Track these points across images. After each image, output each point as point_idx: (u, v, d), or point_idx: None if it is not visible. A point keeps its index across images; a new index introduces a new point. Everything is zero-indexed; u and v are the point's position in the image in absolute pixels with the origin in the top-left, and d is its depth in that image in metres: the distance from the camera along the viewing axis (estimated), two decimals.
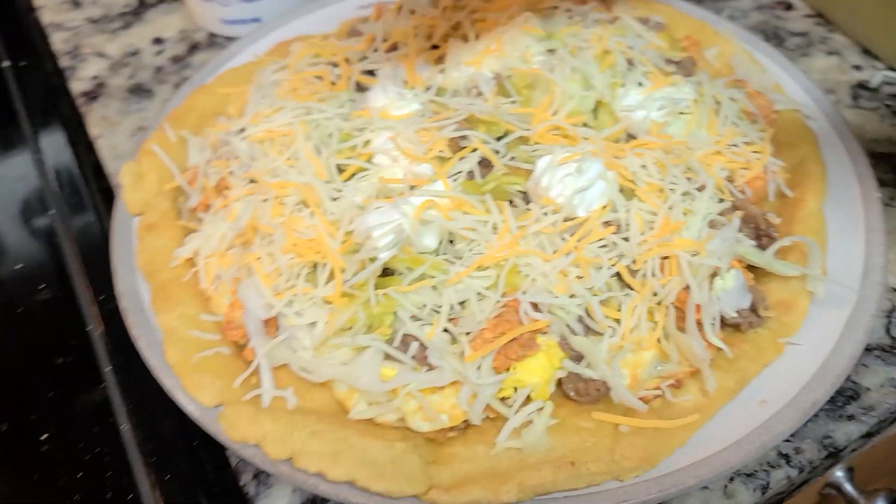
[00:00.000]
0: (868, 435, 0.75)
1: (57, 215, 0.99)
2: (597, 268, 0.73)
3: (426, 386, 0.69)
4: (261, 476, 0.74)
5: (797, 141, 0.90)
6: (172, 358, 0.75)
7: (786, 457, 0.73)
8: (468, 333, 0.70)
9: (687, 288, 0.72)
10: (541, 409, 0.70)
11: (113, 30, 1.21)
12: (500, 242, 0.73)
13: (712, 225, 0.77)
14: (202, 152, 0.90)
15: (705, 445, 0.68)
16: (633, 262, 0.74)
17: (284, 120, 0.85)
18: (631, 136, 0.86)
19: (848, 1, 1.11)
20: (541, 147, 0.82)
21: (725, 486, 0.71)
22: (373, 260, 0.72)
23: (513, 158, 0.82)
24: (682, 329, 0.73)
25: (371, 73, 0.94)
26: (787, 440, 0.73)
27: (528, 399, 0.71)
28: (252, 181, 0.84)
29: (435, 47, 0.96)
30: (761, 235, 0.79)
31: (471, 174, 0.80)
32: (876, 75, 1.05)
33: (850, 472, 0.95)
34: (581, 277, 0.73)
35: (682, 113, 0.86)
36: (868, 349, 0.79)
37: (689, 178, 0.79)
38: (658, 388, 0.72)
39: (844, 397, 0.76)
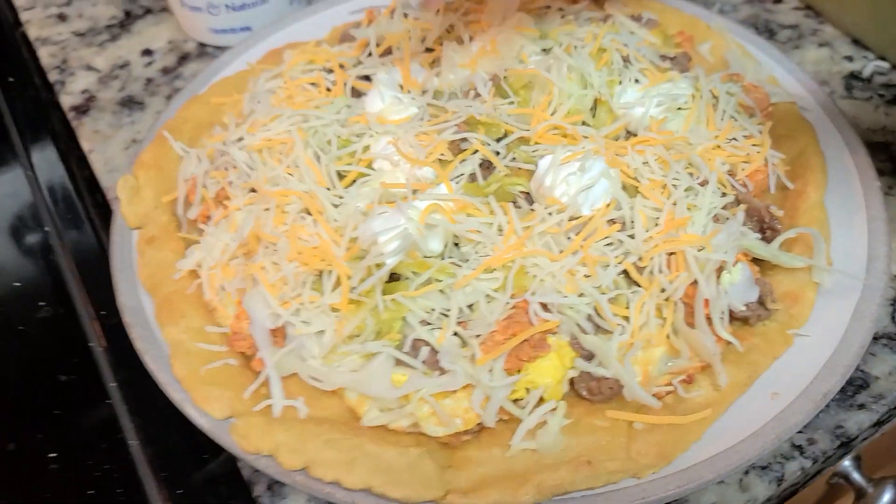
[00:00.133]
0: (878, 423, 0.76)
1: (53, 231, 0.98)
2: (604, 266, 0.73)
3: (439, 390, 0.69)
4: (274, 487, 0.74)
5: (795, 133, 0.90)
6: (180, 371, 0.74)
7: (799, 448, 0.73)
8: (478, 336, 0.70)
9: (694, 283, 0.72)
10: (554, 409, 0.70)
11: (100, 42, 1.20)
12: (506, 244, 0.73)
13: (716, 219, 0.77)
14: (200, 163, 0.89)
15: (720, 439, 0.68)
16: (640, 259, 0.74)
17: (282, 128, 0.85)
18: (630, 134, 0.86)
19: None
20: (541, 147, 0.82)
21: (741, 480, 0.72)
22: (379, 266, 0.72)
23: (514, 159, 0.81)
24: (691, 324, 0.73)
25: (366, 77, 0.93)
26: (800, 431, 0.73)
27: (541, 400, 0.71)
28: (252, 190, 0.83)
29: (429, 50, 0.96)
30: (765, 228, 0.79)
31: (472, 176, 0.80)
32: (867, 66, 1.06)
33: (857, 460, 0.95)
34: (588, 276, 0.73)
35: (680, 108, 0.86)
36: (875, 338, 0.80)
37: (690, 174, 0.80)
38: (670, 385, 0.72)
39: (854, 387, 0.77)
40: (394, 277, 0.74)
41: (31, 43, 1.22)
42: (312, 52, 0.97)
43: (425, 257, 0.74)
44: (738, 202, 0.79)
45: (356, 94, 0.92)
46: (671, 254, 0.74)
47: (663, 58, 0.93)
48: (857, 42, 1.10)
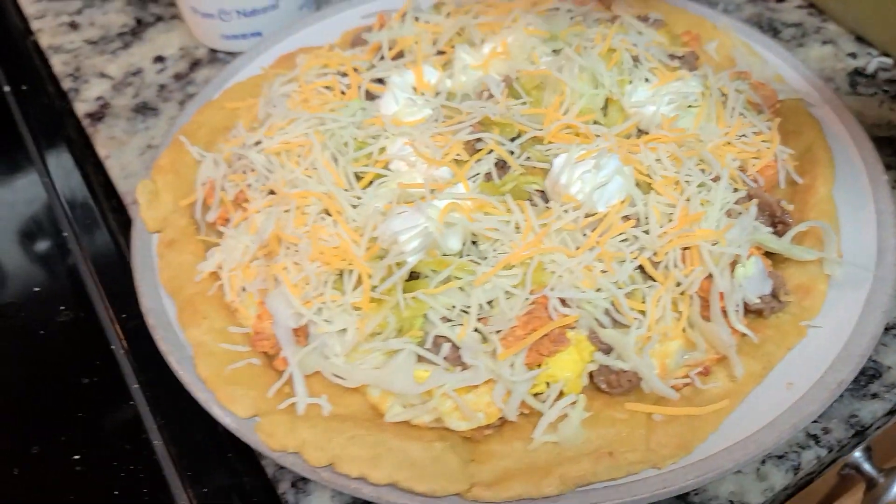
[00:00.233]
0: (892, 412, 0.77)
1: (71, 236, 0.99)
2: (620, 261, 0.75)
3: (461, 385, 0.70)
4: (299, 484, 0.75)
5: (802, 129, 0.91)
6: (204, 372, 0.75)
7: (814, 437, 0.74)
8: (499, 332, 0.71)
9: (709, 277, 0.74)
10: (574, 402, 0.71)
11: (113, 50, 1.21)
12: (524, 241, 0.75)
13: (729, 214, 0.78)
14: (217, 167, 0.91)
15: (738, 429, 0.69)
16: (655, 254, 0.75)
17: (299, 131, 0.86)
18: (641, 132, 0.87)
19: None
20: (554, 146, 0.83)
21: (758, 469, 0.73)
22: (400, 265, 0.73)
23: (528, 158, 0.83)
24: (706, 318, 0.74)
25: (379, 80, 0.95)
26: (815, 421, 0.74)
27: (561, 394, 0.72)
28: (271, 193, 0.85)
29: (441, 53, 0.97)
30: (776, 222, 0.81)
31: (488, 176, 0.81)
32: (871, 62, 1.08)
33: (867, 451, 0.96)
34: (605, 271, 0.74)
35: (690, 106, 0.87)
36: (886, 328, 0.81)
37: (702, 170, 0.81)
38: (687, 377, 0.73)
39: (867, 376, 0.78)
40: (413, 276, 0.75)
41: (42, 51, 1.23)
42: (326, 56, 0.98)
43: (444, 255, 0.76)
44: (749, 197, 0.81)
45: (370, 96, 0.93)
46: (686, 248, 0.75)
47: (672, 57, 0.95)
48: (860, 39, 1.12)
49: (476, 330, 0.72)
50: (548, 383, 0.72)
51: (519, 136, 0.84)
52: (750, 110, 0.89)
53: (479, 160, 0.82)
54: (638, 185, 0.79)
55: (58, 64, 1.19)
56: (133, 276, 0.84)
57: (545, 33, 0.94)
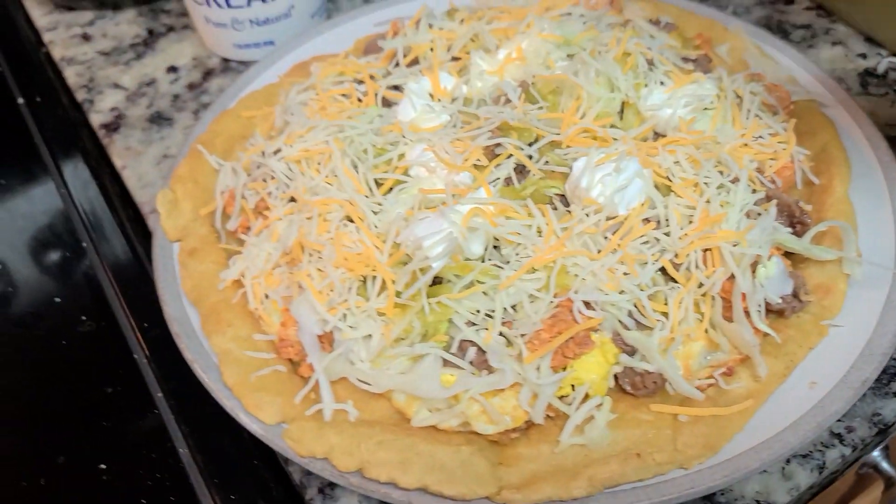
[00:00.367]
0: None
1: (90, 247, 1.00)
2: (642, 264, 0.75)
3: (489, 389, 0.71)
4: (326, 490, 0.75)
5: (816, 129, 0.92)
6: (230, 379, 0.76)
7: (838, 436, 0.75)
8: (523, 335, 0.72)
9: (731, 278, 0.74)
10: (600, 404, 0.71)
11: (126, 61, 1.22)
12: (546, 245, 0.75)
13: (748, 215, 0.79)
14: (235, 175, 0.91)
15: (763, 429, 0.70)
16: (676, 255, 0.76)
17: (319, 138, 0.87)
18: (658, 135, 0.88)
19: None
20: (572, 150, 0.83)
21: (783, 469, 0.73)
22: (424, 270, 0.74)
23: (546, 162, 0.83)
24: (728, 319, 0.74)
25: (395, 87, 0.95)
26: (839, 420, 0.75)
27: (586, 396, 0.72)
28: (291, 200, 0.85)
29: (455, 59, 0.98)
30: (795, 223, 0.81)
31: (508, 180, 0.82)
32: (881, 62, 1.09)
33: (885, 450, 0.97)
34: (627, 274, 0.75)
35: (706, 109, 0.88)
36: None
37: (720, 172, 0.82)
38: (711, 377, 0.74)
39: (888, 375, 0.78)
40: (436, 281, 0.76)
41: (55, 63, 1.24)
42: (342, 63, 0.99)
43: (467, 260, 0.76)
44: (768, 198, 0.81)
45: (386, 103, 0.94)
46: (706, 250, 0.76)
47: (685, 60, 0.96)
48: (869, 40, 1.13)
49: (500, 334, 0.73)
50: (573, 386, 0.72)
51: (537, 140, 0.85)
52: (765, 112, 0.90)
53: (498, 165, 0.82)
54: (657, 187, 0.80)
55: (71, 75, 1.20)
56: (155, 285, 0.85)
57: (559, 38, 0.94)
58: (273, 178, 0.88)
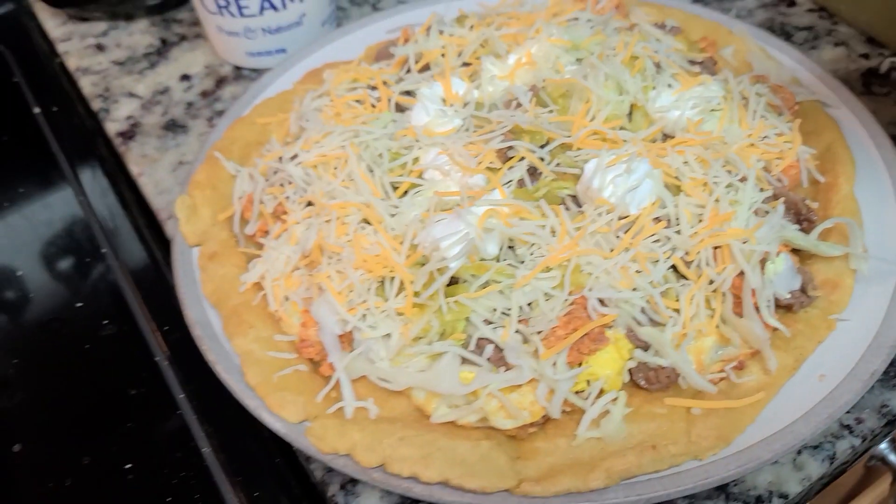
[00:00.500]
0: None
1: (109, 252, 1.02)
2: (654, 262, 0.77)
3: (506, 385, 0.72)
4: (347, 486, 0.77)
5: (821, 129, 0.94)
6: (253, 379, 0.78)
7: (848, 427, 0.76)
8: (539, 332, 0.74)
9: (740, 274, 0.76)
10: (615, 399, 0.73)
11: (140, 70, 1.24)
12: (560, 244, 0.77)
13: (756, 214, 0.81)
14: (253, 181, 0.93)
15: (774, 421, 0.72)
16: (687, 253, 0.78)
17: (335, 144, 0.89)
18: (666, 136, 0.90)
19: None
20: (583, 152, 0.85)
21: (794, 460, 0.75)
22: (442, 270, 0.75)
23: (558, 164, 0.85)
24: (738, 314, 0.76)
25: (408, 93, 0.97)
26: (848, 412, 0.76)
27: (601, 391, 0.74)
28: (309, 204, 0.87)
29: (466, 64, 1.00)
30: (802, 220, 0.83)
31: (521, 182, 0.84)
32: (884, 62, 1.11)
33: (893, 442, 0.98)
34: (640, 272, 0.77)
35: (713, 110, 0.90)
36: None
37: (728, 171, 0.84)
38: (722, 371, 0.76)
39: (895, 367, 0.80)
40: (453, 281, 0.78)
41: (70, 73, 1.26)
42: (355, 70, 1.01)
43: (482, 260, 0.78)
44: (775, 196, 0.83)
45: (399, 109, 0.96)
46: (716, 248, 0.78)
47: (691, 62, 0.97)
48: (871, 40, 1.15)
49: (517, 331, 0.75)
50: (588, 381, 0.74)
51: (548, 143, 0.87)
52: (771, 112, 0.92)
53: (511, 167, 0.84)
54: (667, 187, 0.82)
55: (87, 85, 1.22)
56: (176, 289, 0.87)
57: (568, 43, 0.96)
58: (290, 182, 0.90)
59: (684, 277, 0.78)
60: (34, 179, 1.15)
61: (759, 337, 0.74)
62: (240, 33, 1.15)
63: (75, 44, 1.30)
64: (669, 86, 0.92)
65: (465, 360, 0.74)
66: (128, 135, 1.14)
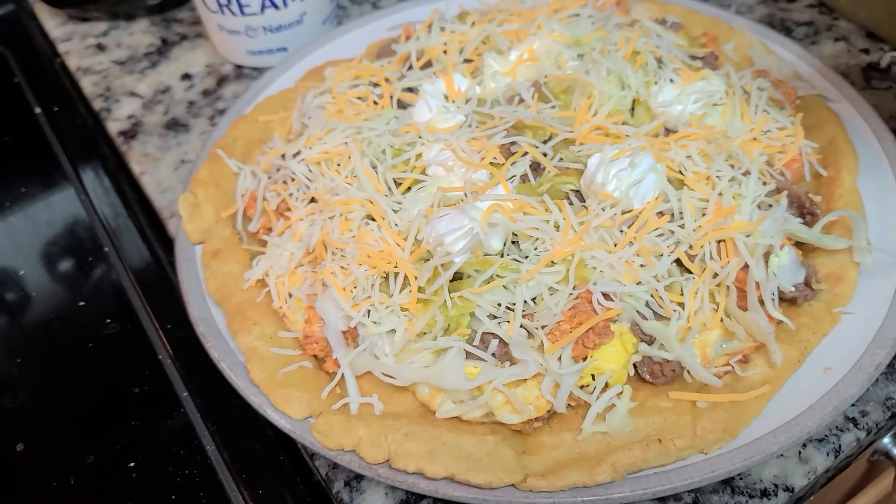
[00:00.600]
0: None
1: (112, 251, 1.02)
2: (658, 255, 0.77)
3: (511, 379, 0.72)
4: (352, 482, 0.77)
5: (823, 123, 0.94)
6: (257, 376, 0.78)
7: (853, 420, 0.76)
8: (544, 327, 0.74)
9: (745, 268, 0.76)
10: (620, 393, 0.73)
11: (141, 69, 1.24)
12: (564, 239, 0.77)
13: (759, 207, 0.81)
14: (255, 178, 0.93)
15: (780, 414, 0.72)
16: (690, 247, 0.78)
17: (338, 140, 0.89)
18: (669, 130, 0.90)
19: None
20: (586, 147, 0.85)
21: (800, 452, 0.75)
22: (446, 266, 0.75)
23: (561, 159, 0.85)
24: (742, 308, 0.76)
25: (409, 90, 0.97)
26: (853, 405, 0.76)
27: (606, 385, 0.74)
28: (312, 201, 0.87)
29: (468, 61, 1.00)
30: (805, 213, 0.83)
31: (524, 177, 0.84)
32: (884, 57, 1.11)
33: (895, 437, 0.98)
34: (644, 266, 0.77)
35: (715, 105, 0.90)
36: None
37: (731, 165, 0.84)
38: (727, 365, 0.76)
39: None
40: (457, 276, 0.78)
41: (70, 73, 1.26)
42: (357, 67, 1.01)
43: (486, 255, 0.78)
44: (778, 190, 0.83)
45: (402, 105, 0.96)
46: (720, 241, 0.78)
47: (693, 58, 0.98)
48: (871, 35, 1.15)
49: (522, 326, 0.75)
50: (593, 375, 0.74)
51: (551, 138, 0.87)
52: (773, 107, 0.92)
53: (514, 162, 0.84)
54: (670, 181, 0.82)
55: (88, 85, 1.22)
56: (180, 286, 0.87)
57: (570, 39, 0.96)
58: (294, 179, 0.90)
59: (688, 271, 0.78)
60: (36, 179, 1.15)
61: (763, 330, 0.74)
62: (241, 32, 1.15)
63: (76, 44, 1.30)
64: (671, 81, 0.92)
65: (469, 355, 0.74)
66: (129, 134, 1.14)
